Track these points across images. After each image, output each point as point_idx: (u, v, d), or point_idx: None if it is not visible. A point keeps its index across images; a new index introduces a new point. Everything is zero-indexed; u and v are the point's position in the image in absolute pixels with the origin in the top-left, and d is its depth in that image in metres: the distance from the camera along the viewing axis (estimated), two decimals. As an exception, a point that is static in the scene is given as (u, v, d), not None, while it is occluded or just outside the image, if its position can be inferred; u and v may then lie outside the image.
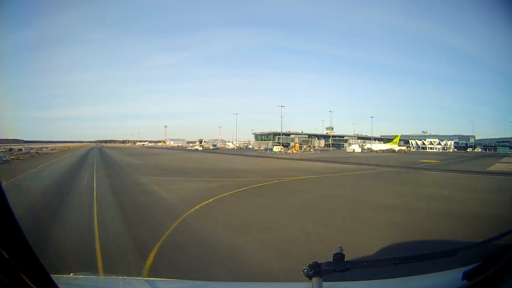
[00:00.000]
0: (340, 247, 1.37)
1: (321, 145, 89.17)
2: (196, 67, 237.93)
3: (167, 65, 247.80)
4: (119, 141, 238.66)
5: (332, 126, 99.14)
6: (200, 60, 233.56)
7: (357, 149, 70.95)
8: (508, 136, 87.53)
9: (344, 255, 1.31)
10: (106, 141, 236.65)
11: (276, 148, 65.75)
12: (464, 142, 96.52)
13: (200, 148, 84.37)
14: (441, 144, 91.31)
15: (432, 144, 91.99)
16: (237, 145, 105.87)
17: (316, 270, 1.22)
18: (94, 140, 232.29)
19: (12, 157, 32.48)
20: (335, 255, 1.32)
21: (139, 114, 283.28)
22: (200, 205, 8.83)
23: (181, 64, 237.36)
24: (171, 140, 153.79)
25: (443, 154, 59.07)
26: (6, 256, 0.82)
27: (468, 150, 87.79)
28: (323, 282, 1.25)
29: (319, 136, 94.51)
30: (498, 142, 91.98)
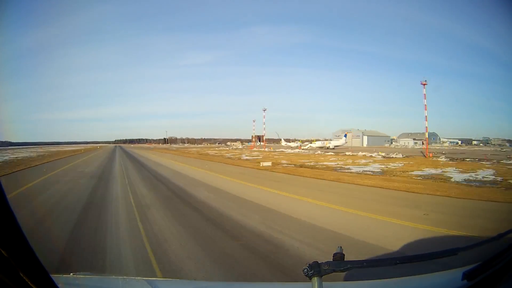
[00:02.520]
0: (340, 247, 1.37)
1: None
2: (230, 65, 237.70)
3: (199, 63, 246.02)
4: (150, 140, 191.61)
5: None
6: (235, 58, 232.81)
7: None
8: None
9: (344, 255, 1.31)
10: (131, 141, 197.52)
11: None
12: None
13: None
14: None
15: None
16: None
17: (316, 270, 1.22)
18: (113, 140, 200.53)
19: None
20: (335, 255, 1.32)
21: (166, 112, 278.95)
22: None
23: (214, 62, 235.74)
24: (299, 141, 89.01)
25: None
26: (6, 255, 0.82)
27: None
28: (323, 282, 1.25)
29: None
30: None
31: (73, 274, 2.09)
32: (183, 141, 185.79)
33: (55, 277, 1.09)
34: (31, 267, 0.90)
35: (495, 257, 1.28)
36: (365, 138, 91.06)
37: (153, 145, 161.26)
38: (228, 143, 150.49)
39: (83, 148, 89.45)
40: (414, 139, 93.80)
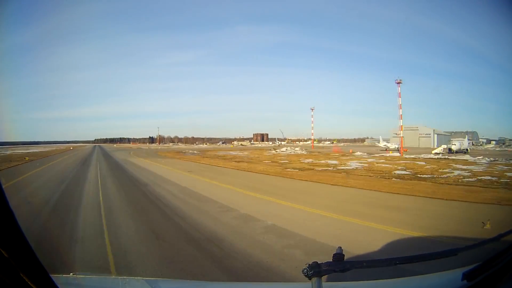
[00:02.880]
0: (340, 247, 1.37)
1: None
2: (212, 65, 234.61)
3: (182, 62, 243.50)
4: (133, 139, 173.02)
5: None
6: (217, 57, 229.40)
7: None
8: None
9: (344, 255, 1.31)
10: (112, 140, 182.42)
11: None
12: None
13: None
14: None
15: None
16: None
17: (316, 270, 1.22)
18: (93, 139, 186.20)
19: None
20: (334, 255, 1.32)
21: (150, 112, 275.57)
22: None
23: (197, 61, 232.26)
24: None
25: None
26: (6, 255, 0.82)
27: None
28: (323, 282, 1.25)
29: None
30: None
31: (73, 274, 2.09)
32: (172, 140, 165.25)
33: (55, 277, 1.09)
34: (31, 267, 0.90)
35: (495, 257, 1.28)
36: (435, 137, 70.81)
37: (138, 144, 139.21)
38: (235, 142, 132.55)
39: (32, 153, 52.93)
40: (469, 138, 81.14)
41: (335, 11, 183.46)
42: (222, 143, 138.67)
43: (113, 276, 2.51)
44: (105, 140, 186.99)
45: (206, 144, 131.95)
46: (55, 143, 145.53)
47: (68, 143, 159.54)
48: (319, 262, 1.25)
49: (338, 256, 1.31)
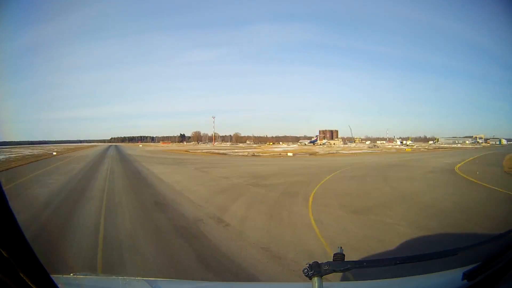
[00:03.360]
0: (340, 247, 1.38)
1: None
2: (234, 64, 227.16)
3: (202, 62, 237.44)
4: (156, 138, 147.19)
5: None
6: (237, 56, 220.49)
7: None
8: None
9: (344, 255, 1.31)
10: (131, 139, 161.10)
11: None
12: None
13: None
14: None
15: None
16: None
17: (316, 270, 1.22)
18: (109, 138, 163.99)
19: None
20: (335, 255, 1.32)
21: (169, 111, 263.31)
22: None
23: (218, 61, 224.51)
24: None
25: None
26: (6, 255, 0.82)
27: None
28: (323, 282, 1.26)
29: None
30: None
31: (73, 274, 2.09)
32: (210, 138, 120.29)
33: (55, 277, 1.09)
34: (31, 267, 0.90)
35: (495, 257, 1.28)
36: None
37: (170, 144, 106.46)
38: (309, 141, 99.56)
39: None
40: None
41: (363, 9, 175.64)
42: (310, 142, 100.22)
43: (113, 276, 2.52)
44: (123, 139, 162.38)
45: (275, 143, 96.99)
46: (69, 142, 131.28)
47: (81, 142, 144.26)
48: (319, 262, 1.25)
49: (339, 256, 1.31)
